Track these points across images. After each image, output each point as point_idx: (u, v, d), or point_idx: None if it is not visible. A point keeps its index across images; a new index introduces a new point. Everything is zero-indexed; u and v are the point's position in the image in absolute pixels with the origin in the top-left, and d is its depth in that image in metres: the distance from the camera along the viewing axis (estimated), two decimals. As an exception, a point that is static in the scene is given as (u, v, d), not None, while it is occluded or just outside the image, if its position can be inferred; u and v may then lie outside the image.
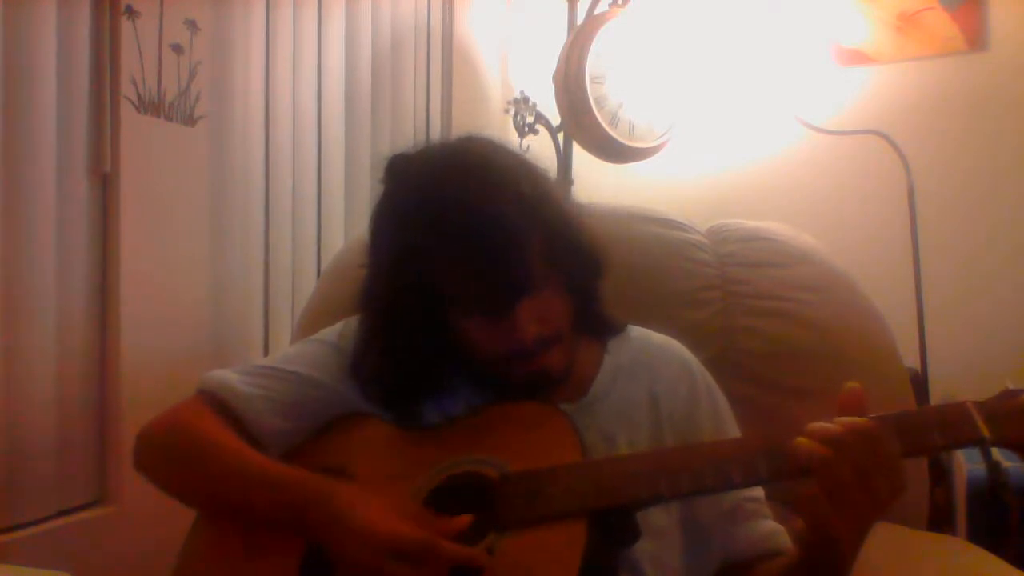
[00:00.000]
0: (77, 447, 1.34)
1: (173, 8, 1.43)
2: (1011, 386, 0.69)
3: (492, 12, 2.37)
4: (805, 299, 1.28)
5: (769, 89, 2.06)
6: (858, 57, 2.00)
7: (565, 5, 2.09)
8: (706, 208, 1.76)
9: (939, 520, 1.44)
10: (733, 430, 0.94)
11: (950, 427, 0.69)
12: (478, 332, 0.86)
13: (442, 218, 0.82)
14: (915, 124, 1.90)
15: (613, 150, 1.97)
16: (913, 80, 1.94)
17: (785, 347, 1.25)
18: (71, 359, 1.32)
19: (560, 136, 2.12)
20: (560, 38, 2.03)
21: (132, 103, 1.37)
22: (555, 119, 2.09)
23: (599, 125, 1.91)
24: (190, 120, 1.47)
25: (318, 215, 1.79)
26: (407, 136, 2.00)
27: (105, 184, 1.37)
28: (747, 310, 1.28)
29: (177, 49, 1.44)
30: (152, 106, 1.40)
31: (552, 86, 1.99)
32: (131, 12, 1.36)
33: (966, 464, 1.37)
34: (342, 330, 0.99)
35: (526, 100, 2.13)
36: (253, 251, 1.63)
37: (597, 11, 2.00)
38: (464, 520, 0.78)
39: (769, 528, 0.89)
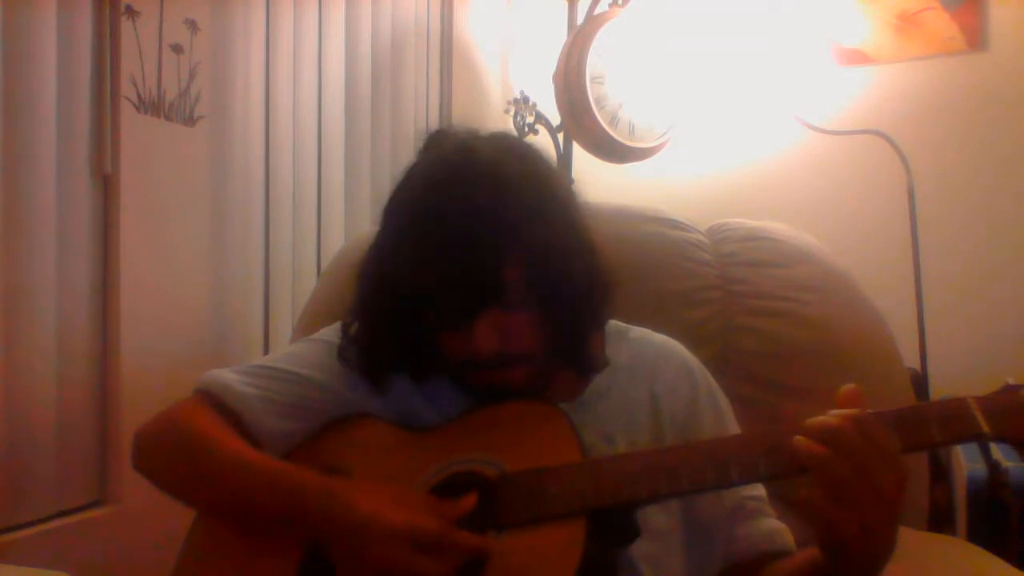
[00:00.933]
0: (77, 447, 1.34)
1: (173, 8, 1.43)
2: (1011, 382, 0.69)
3: (492, 12, 2.37)
4: (805, 299, 1.28)
5: (769, 89, 2.06)
6: (858, 57, 2.00)
7: (565, 5, 2.09)
8: (706, 208, 1.75)
9: (939, 520, 1.43)
10: (734, 430, 0.94)
11: (950, 422, 0.68)
12: (445, 334, 0.87)
13: (426, 218, 0.83)
14: (915, 124, 1.90)
15: (613, 150, 1.97)
16: (913, 80, 1.94)
17: (785, 347, 1.25)
18: (71, 359, 1.32)
19: (560, 136, 2.12)
20: (560, 38, 2.02)
21: (132, 103, 1.37)
22: (555, 119, 2.09)
23: (599, 125, 1.91)
24: (190, 120, 1.47)
25: (318, 215, 1.79)
26: (407, 136, 2.01)
27: (105, 184, 1.37)
28: (747, 310, 1.28)
29: (177, 49, 1.44)
30: (152, 106, 1.40)
31: (552, 86, 1.99)
32: (131, 12, 1.36)
33: (966, 464, 1.36)
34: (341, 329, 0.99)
35: (526, 100, 2.12)
36: (253, 251, 1.63)
37: (597, 11, 2.00)
38: (470, 500, 0.79)
39: (771, 527, 0.89)
